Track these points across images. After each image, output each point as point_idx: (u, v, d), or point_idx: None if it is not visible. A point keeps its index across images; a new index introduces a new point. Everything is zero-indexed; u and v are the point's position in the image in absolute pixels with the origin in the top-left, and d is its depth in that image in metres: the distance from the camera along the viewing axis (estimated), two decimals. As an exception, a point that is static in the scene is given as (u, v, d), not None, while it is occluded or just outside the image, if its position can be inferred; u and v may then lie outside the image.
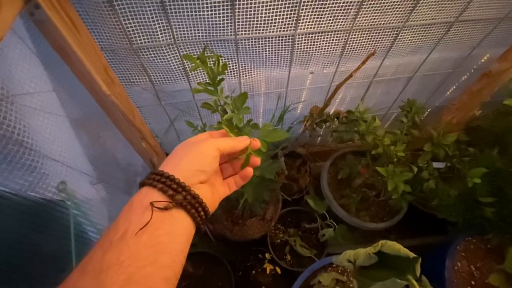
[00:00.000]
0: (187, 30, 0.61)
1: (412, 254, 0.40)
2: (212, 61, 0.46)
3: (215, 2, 0.55)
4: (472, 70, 0.95)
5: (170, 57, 0.66)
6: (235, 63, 0.73)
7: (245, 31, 0.63)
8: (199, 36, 0.63)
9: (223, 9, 0.57)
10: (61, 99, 0.53)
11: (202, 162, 0.32)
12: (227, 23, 0.60)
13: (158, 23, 0.58)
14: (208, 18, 0.59)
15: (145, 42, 0.61)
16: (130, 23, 0.56)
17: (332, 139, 0.90)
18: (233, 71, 0.75)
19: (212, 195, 0.34)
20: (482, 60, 0.93)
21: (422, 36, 0.75)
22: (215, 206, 0.35)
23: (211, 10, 0.57)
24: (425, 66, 0.88)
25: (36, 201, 0.46)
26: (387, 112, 1.09)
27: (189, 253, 0.94)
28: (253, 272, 0.93)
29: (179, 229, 0.29)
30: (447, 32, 0.75)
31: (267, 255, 0.92)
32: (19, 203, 0.44)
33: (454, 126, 0.96)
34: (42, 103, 0.48)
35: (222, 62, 0.45)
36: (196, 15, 0.58)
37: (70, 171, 0.53)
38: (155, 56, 0.65)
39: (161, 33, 0.60)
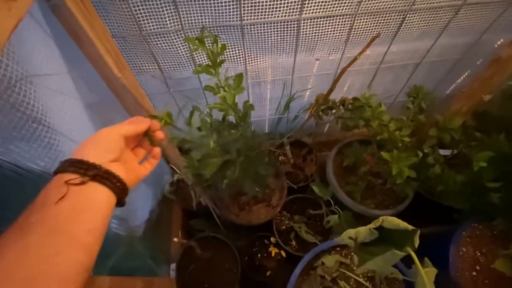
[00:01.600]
0: (194, 16, 0.62)
1: (410, 227, 0.41)
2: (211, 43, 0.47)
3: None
4: (485, 57, 0.93)
5: (178, 44, 0.68)
6: (241, 49, 0.74)
7: (250, 16, 0.64)
8: (206, 22, 0.64)
9: (229, -5, 0.58)
10: (76, 82, 0.56)
11: (107, 145, 0.36)
12: (233, 8, 0.62)
13: (167, 10, 0.60)
14: (214, 3, 0.60)
15: (154, 29, 0.63)
16: (139, 9, 0.58)
17: (338, 127, 0.90)
18: (239, 57, 0.76)
19: (127, 171, 0.37)
20: (496, 46, 0.91)
21: (430, 20, 0.74)
22: (133, 182, 0.39)
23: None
24: (432, 52, 0.87)
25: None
26: (395, 100, 1.09)
27: (198, 237, 0.99)
28: (259, 256, 0.95)
29: (96, 197, 0.32)
30: (455, 16, 0.74)
31: (272, 239, 0.94)
32: (34, 178, 0.47)
33: (463, 114, 0.95)
34: (58, 85, 0.51)
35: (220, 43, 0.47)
36: (203, 1, 0.59)
37: (85, 151, 0.55)
38: (164, 43, 0.67)
39: (169, 20, 0.62)
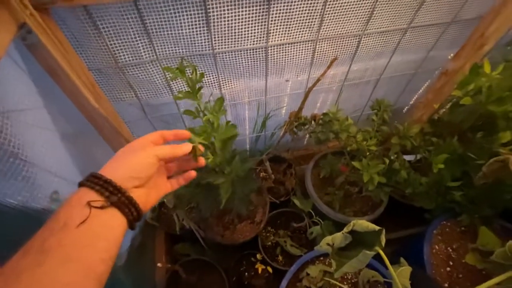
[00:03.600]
0: (168, 47, 0.67)
1: (377, 227, 0.45)
2: (190, 71, 0.51)
3: (192, 21, 0.62)
4: (440, 69, 1.05)
5: (154, 73, 0.72)
6: (216, 75, 0.79)
7: (221, 45, 0.70)
8: (180, 52, 0.69)
9: (199, 27, 0.64)
10: (52, 115, 0.57)
11: (138, 170, 0.36)
12: (204, 39, 0.67)
13: (141, 42, 0.64)
14: (186, 35, 0.65)
15: (129, 60, 0.66)
16: (114, 43, 0.62)
17: (311, 141, 0.96)
18: (214, 82, 0.81)
19: (146, 196, 0.38)
20: (448, 58, 1.02)
21: (382, 42, 0.84)
22: (151, 203, 0.40)
23: (189, 28, 0.63)
24: (389, 69, 0.97)
25: (30, 210, 0.48)
26: (362, 114, 1.17)
27: (183, 261, 0.98)
28: (246, 274, 0.95)
29: (113, 223, 0.33)
30: (403, 37, 0.84)
31: (258, 255, 0.95)
32: (14, 213, 0.46)
33: (423, 121, 1.04)
34: (34, 119, 0.52)
35: (199, 72, 0.51)
36: (175, 33, 0.64)
37: (63, 182, 0.56)
38: (140, 73, 0.70)
39: (144, 51, 0.66)
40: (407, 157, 0.87)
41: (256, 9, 0.64)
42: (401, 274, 0.57)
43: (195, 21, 0.62)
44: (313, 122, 0.93)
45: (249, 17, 0.65)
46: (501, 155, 0.37)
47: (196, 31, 0.64)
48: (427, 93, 1.09)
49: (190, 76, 0.51)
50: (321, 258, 0.80)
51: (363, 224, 0.47)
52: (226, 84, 0.83)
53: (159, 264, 0.78)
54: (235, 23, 0.65)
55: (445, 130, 0.79)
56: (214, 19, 0.63)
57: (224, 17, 0.63)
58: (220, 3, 0.60)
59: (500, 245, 0.75)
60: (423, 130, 0.84)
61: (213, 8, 0.61)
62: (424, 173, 0.84)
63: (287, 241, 1.01)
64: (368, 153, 0.79)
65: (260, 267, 0.91)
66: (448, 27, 0.86)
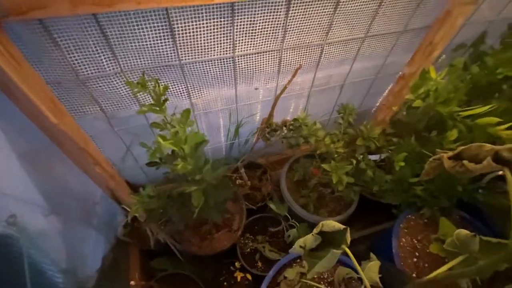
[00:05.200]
0: (133, 59, 0.66)
1: (342, 226, 0.47)
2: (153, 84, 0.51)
3: (156, 33, 0.62)
4: (400, 73, 1.12)
5: (119, 85, 0.70)
6: (185, 85, 0.79)
7: (188, 56, 0.70)
8: (145, 63, 0.68)
9: (164, 39, 0.64)
10: (7, 133, 0.54)
11: None
12: (170, 50, 0.67)
13: (104, 55, 0.62)
14: (151, 47, 0.65)
15: (92, 73, 0.64)
16: (74, 56, 0.60)
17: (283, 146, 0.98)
18: (184, 92, 0.81)
19: None
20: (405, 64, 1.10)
21: (343, 50, 0.89)
22: None
23: (154, 40, 0.63)
24: (352, 75, 1.02)
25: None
26: (330, 118, 1.22)
27: (159, 276, 0.95)
28: (226, 284, 0.94)
29: None
30: (362, 46, 0.90)
31: (237, 264, 0.95)
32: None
33: (386, 123, 1.11)
34: (-15, 139, 0.48)
35: (162, 85, 0.51)
36: (140, 45, 0.63)
37: (21, 204, 0.52)
38: (104, 85, 0.69)
39: (107, 64, 0.64)
40: (373, 157, 0.92)
41: (221, 21, 0.65)
42: (370, 269, 0.60)
43: (160, 33, 0.62)
44: (284, 128, 0.96)
45: (214, 29, 0.66)
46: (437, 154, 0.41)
47: (161, 42, 0.64)
48: (388, 96, 1.17)
49: (153, 89, 0.50)
50: (298, 261, 0.81)
51: (331, 224, 0.49)
52: (196, 94, 0.83)
53: (132, 283, 0.75)
54: (200, 34, 0.66)
55: (404, 130, 0.85)
56: (178, 31, 0.63)
57: (189, 29, 0.64)
58: (183, 15, 0.60)
59: (458, 234, 0.81)
60: (385, 131, 0.90)
61: (177, 20, 0.61)
62: (388, 171, 0.89)
63: (266, 246, 1.02)
64: (336, 155, 0.83)
65: (239, 275, 0.91)
66: (401, 35, 0.94)
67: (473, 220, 0.88)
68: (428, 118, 0.70)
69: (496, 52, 0.70)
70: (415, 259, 0.81)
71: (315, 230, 0.51)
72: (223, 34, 0.68)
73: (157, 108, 0.51)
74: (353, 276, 0.75)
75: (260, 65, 0.81)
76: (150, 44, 0.64)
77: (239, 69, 0.80)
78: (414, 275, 0.78)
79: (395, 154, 0.80)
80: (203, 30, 0.65)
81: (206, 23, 0.64)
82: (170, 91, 0.78)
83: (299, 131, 0.86)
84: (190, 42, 0.67)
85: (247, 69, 0.81)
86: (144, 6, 0.54)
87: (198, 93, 0.84)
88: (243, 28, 0.69)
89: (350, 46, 0.89)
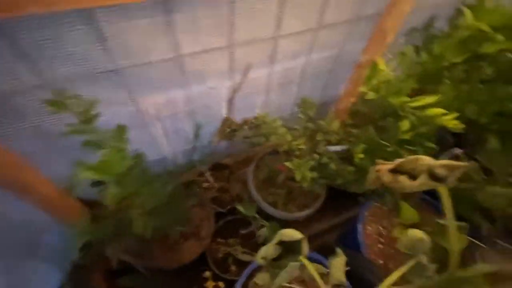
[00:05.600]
0: (57, 68, 0.57)
1: (299, 236, 0.46)
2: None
3: (81, 38, 0.54)
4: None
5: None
6: (127, 92, 0.71)
7: (124, 60, 0.63)
8: (74, 71, 0.60)
9: (92, 43, 0.56)
10: None
11: None
12: (101, 56, 0.59)
13: (20, 66, 0.53)
14: (78, 54, 0.57)
15: (8, 88, 0.55)
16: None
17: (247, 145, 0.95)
18: (128, 100, 0.73)
19: None
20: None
21: (297, 42, 0.86)
22: None
23: (79, 46, 0.55)
24: (310, 66, 1.00)
25: None
26: (294, 111, 1.21)
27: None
28: (198, 295, 0.91)
29: None
30: (316, 36, 0.88)
31: (207, 273, 0.92)
32: None
33: (347, 112, 1.12)
34: None
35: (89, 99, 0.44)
36: (62, 52, 0.55)
37: None
38: (26, 100, 0.60)
39: (27, 76, 0.55)
40: (335, 148, 0.92)
41: (156, 20, 0.58)
42: (335, 266, 0.60)
43: (85, 37, 0.55)
44: (245, 127, 0.93)
45: (150, 29, 0.59)
46: (377, 164, 0.40)
47: (89, 48, 0.57)
48: (347, 84, 1.17)
49: (78, 108, 0.44)
50: (268, 263, 0.80)
51: (289, 233, 0.47)
52: (143, 100, 0.76)
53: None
54: (135, 36, 0.59)
55: (363, 121, 0.86)
56: (108, 33, 0.56)
57: (120, 31, 0.57)
58: (110, 16, 0.53)
59: (419, 218, 0.84)
60: (345, 122, 0.90)
61: (104, 22, 0.54)
62: (351, 162, 0.90)
63: (238, 249, 1.00)
64: (297, 152, 0.82)
65: (210, 285, 0.88)
66: (354, 23, 0.93)
67: (434, 202, 0.92)
68: (383, 109, 0.70)
69: (442, 37, 0.71)
70: (381, 246, 0.83)
71: (274, 241, 0.49)
72: (162, 33, 0.62)
73: (85, 128, 0.45)
74: (323, 272, 0.75)
75: (211, 63, 0.76)
76: (77, 50, 0.56)
77: (188, 69, 0.74)
78: (381, 262, 0.80)
79: (355, 145, 0.80)
80: (137, 31, 0.58)
81: (139, 23, 0.57)
82: (111, 99, 0.71)
83: (260, 130, 0.83)
84: (125, 45, 0.60)
85: (196, 69, 0.75)
86: (58, 7, 0.46)
87: (146, 99, 0.77)
88: (185, 26, 0.63)
89: (305, 38, 0.86)
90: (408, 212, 0.83)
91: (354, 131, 0.82)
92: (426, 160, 0.34)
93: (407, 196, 0.92)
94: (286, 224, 1.08)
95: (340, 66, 1.10)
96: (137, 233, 0.54)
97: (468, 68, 0.64)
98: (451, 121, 0.52)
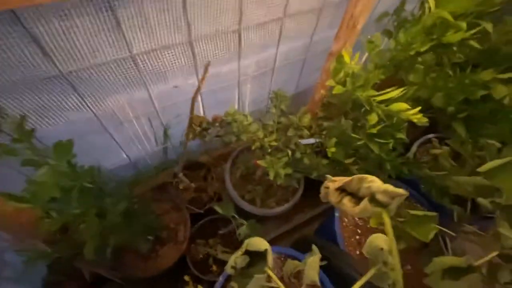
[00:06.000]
0: (-11, 78, 0.51)
1: (265, 246, 0.44)
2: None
3: (13, 42, 0.48)
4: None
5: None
6: (77, 97, 0.65)
7: (69, 64, 0.57)
8: (13, 79, 0.53)
9: (28, 47, 0.50)
10: None
11: None
12: (42, 61, 0.53)
13: None
14: (14, 59, 0.50)
15: None
16: None
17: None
18: (81, 106, 0.67)
19: None
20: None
21: (263, 33, 0.82)
22: None
23: (14, 51, 0.49)
24: (281, 57, 0.97)
25: None
26: (267, 105, 1.17)
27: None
28: (179, 299, 0.90)
29: None
30: (283, 26, 0.83)
31: (186, 277, 0.90)
32: None
33: (319, 103, 1.10)
34: None
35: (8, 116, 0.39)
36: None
37: None
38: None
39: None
40: (307, 141, 0.90)
41: (99, 18, 0.53)
42: (310, 265, 0.59)
43: (19, 42, 0.48)
44: (216, 125, 0.89)
45: (92, 28, 0.53)
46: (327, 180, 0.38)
47: (26, 53, 0.50)
48: (321, 74, 1.14)
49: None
50: (246, 263, 0.79)
51: (255, 243, 0.46)
52: (98, 104, 0.71)
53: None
54: (77, 36, 0.53)
55: (334, 113, 0.84)
56: (44, 36, 0.50)
57: (57, 33, 0.50)
58: (38, 17, 0.47)
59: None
60: (317, 114, 0.88)
61: (34, 24, 0.47)
62: (325, 155, 0.88)
63: (219, 248, 0.98)
64: (269, 149, 0.79)
65: (190, 289, 0.87)
66: (321, 11, 0.89)
67: (409, 189, 0.93)
68: (351, 101, 0.68)
69: (411, 24, 0.69)
70: (358, 237, 0.84)
71: (240, 252, 0.47)
72: (108, 32, 0.56)
73: (19, 147, 0.40)
74: (301, 269, 0.75)
75: (171, 61, 0.71)
76: (11, 56, 0.49)
77: (146, 68, 0.69)
78: (357, 252, 0.81)
79: (327, 139, 0.78)
80: (79, 31, 0.52)
81: (79, 22, 0.51)
82: (61, 106, 0.65)
83: (230, 128, 0.79)
84: (66, 47, 0.54)
85: (155, 68, 0.70)
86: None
87: (101, 103, 0.71)
88: (134, 23, 0.57)
89: (271, 28, 0.82)
90: (383, 201, 0.83)
91: (326, 124, 0.80)
92: (370, 182, 0.33)
93: (382, 185, 0.92)
94: (265, 219, 1.07)
95: (313, 55, 1.07)
96: (89, 257, 0.50)
97: (435, 57, 0.63)
98: (414, 115, 0.50)
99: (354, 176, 0.35)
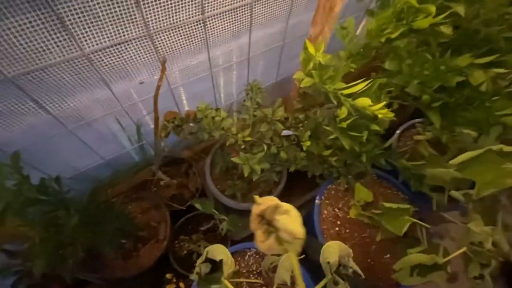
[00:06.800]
0: None
1: (220, 257, 0.42)
2: None
3: None
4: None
5: None
6: (32, 100, 0.61)
7: (14, 67, 0.53)
8: None
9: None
10: None
11: None
12: (-23, 65, 0.49)
13: None
14: None
15: None
16: None
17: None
18: (36, 109, 0.64)
19: None
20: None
21: (232, 20, 0.76)
22: None
23: None
24: (256, 45, 0.91)
25: None
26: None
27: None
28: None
29: None
30: (253, 12, 0.78)
31: (168, 275, 0.90)
32: None
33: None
34: None
35: None
36: None
37: None
38: None
39: None
40: (285, 132, 0.87)
41: (38, 15, 0.48)
42: (282, 265, 0.59)
43: None
44: (190, 121, 0.85)
45: (32, 27, 0.49)
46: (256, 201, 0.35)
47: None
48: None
49: None
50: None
51: (214, 251, 0.44)
52: (57, 106, 0.67)
53: None
54: (16, 37, 0.49)
55: (311, 104, 0.80)
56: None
57: (-10, 33, 0.46)
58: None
59: (372, 197, 0.84)
60: (295, 105, 0.85)
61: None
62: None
63: (202, 244, 0.98)
64: (243, 145, 0.76)
65: (171, 287, 0.87)
66: (298, -7, 0.83)
67: (389, 177, 0.92)
68: (324, 93, 0.65)
69: (384, 7, 0.64)
70: (337, 228, 0.83)
71: (201, 260, 0.45)
72: (52, 31, 0.51)
73: None
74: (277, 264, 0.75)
75: (130, 57, 0.66)
76: None
77: (102, 66, 0.64)
78: (337, 244, 0.81)
79: (303, 131, 0.75)
80: (17, 32, 0.48)
81: (17, 21, 0.47)
82: (16, 111, 0.61)
83: (202, 124, 0.76)
84: (8, 48, 0.49)
85: (114, 65, 0.66)
86: None
87: (60, 105, 0.67)
88: (80, 19, 0.52)
89: (240, 14, 0.76)
90: (362, 192, 0.82)
91: (301, 116, 0.77)
92: (283, 213, 0.30)
93: (362, 175, 0.91)
94: (249, 213, 1.06)
95: (292, 41, 1.02)
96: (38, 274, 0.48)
97: (407, 44, 0.59)
98: (379, 111, 0.47)
99: (270, 203, 0.32)
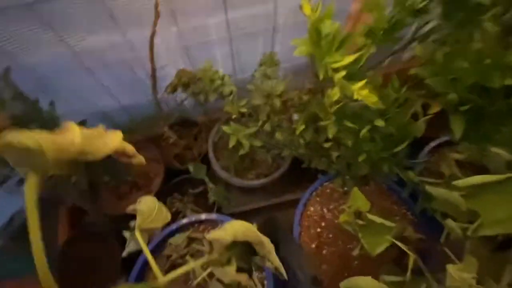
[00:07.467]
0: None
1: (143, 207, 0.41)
2: None
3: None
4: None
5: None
6: (50, 30, 0.67)
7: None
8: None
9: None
10: None
11: None
12: None
13: None
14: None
15: None
16: None
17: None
18: (55, 40, 0.69)
19: None
20: None
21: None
22: None
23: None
24: (283, 15, 0.83)
25: None
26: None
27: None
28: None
29: None
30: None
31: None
32: None
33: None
34: None
35: None
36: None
37: None
38: None
39: None
40: (297, 117, 0.80)
41: None
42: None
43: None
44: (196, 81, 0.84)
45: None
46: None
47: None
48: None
49: None
50: (196, 225, 0.79)
51: (143, 201, 0.43)
52: (77, 41, 0.72)
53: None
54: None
55: (324, 85, 0.71)
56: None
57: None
58: None
59: (369, 208, 0.72)
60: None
61: None
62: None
63: (189, 207, 1.00)
64: (234, 116, 0.72)
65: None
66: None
67: (401, 192, 0.78)
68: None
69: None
70: (319, 229, 0.75)
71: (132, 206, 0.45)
72: None
73: None
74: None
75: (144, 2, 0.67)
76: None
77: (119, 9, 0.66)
78: (313, 245, 0.73)
79: (302, 115, 0.67)
80: None
81: None
82: (37, 39, 0.67)
83: (199, 84, 0.74)
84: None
85: (131, 10, 0.67)
86: None
87: (81, 41, 0.72)
88: None
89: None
90: (359, 199, 0.71)
91: (306, 97, 0.69)
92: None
93: (367, 181, 0.78)
94: (245, 191, 1.03)
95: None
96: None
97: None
98: (360, 90, 0.37)
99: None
